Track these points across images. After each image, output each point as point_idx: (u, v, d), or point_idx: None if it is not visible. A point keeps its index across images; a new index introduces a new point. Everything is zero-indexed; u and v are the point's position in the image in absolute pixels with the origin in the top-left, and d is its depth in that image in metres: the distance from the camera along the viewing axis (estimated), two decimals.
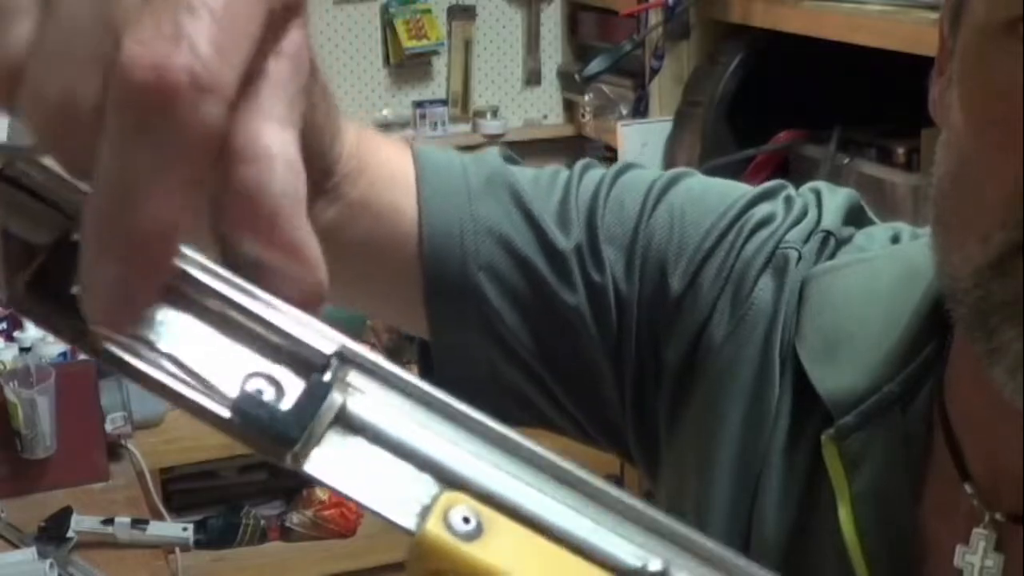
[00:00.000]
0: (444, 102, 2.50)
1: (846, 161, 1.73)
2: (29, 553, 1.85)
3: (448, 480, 0.32)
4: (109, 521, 1.95)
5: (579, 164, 0.71)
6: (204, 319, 0.33)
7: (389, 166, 0.65)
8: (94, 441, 2.09)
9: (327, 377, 0.32)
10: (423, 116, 2.49)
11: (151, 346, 0.32)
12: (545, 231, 0.66)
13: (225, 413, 0.31)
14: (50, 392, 2.01)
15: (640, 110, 2.15)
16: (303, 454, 0.31)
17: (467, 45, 2.51)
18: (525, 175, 0.70)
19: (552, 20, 2.56)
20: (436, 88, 2.51)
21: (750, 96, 1.91)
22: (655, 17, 2.06)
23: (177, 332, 0.32)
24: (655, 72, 2.07)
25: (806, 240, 0.66)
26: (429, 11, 2.45)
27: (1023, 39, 0.48)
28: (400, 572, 0.33)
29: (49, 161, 0.32)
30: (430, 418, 0.33)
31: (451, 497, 0.32)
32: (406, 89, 2.49)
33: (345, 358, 0.32)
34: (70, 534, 1.92)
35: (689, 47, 2.04)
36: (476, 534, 0.31)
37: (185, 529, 2.04)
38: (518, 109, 2.57)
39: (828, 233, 0.67)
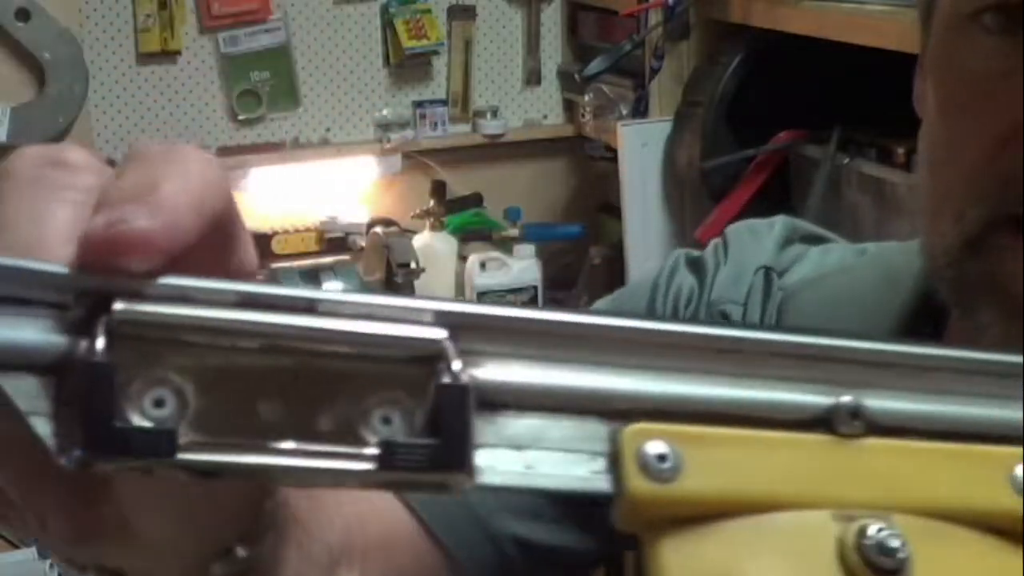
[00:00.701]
0: (444, 102, 2.50)
1: (846, 161, 1.73)
2: (29, 553, 1.85)
3: (612, 412, 0.29)
4: None
5: None
6: (265, 371, 0.29)
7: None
8: None
9: (456, 368, 0.29)
10: (423, 116, 2.49)
11: (236, 432, 0.28)
12: None
13: (369, 468, 0.28)
14: None
15: (640, 110, 2.15)
16: (471, 472, 0.28)
17: (467, 45, 2.51)
18: None
19: (552, 20, 2.56)
20: (436, 88, 2.51)
21: (750, 96, 1.91)
22: (655, 17, 2.06)
23: (251, 399, 0.29)
24: (655, 72, 2.07)
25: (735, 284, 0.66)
26: (429, 11, 2.45)
27: (986, 28, 0.50)
28: None
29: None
30: (558, 348, 0.30)
31: (631, 435, 0.29)
32: (406, 89, 2.49)
33: (454, 329, 0.29)
34: None
35: (689, 47, 2.04)
36: (677, 466, 0.29)
37: None
38: (518, 109, 2.57)
39: (768, 269, 0.67)
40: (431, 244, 2.38)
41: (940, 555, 0.29)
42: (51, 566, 1.81)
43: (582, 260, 2.44)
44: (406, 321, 0.29)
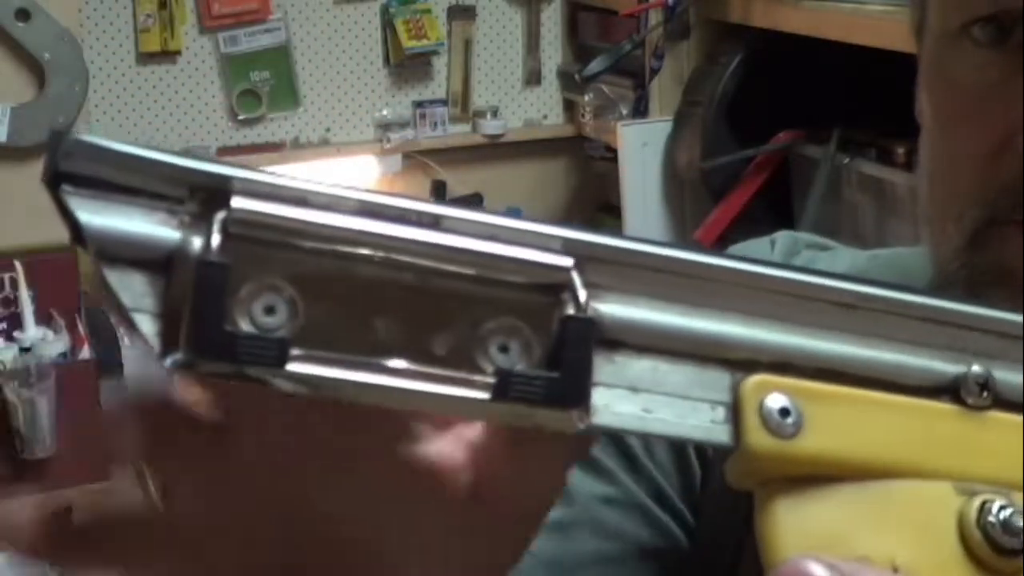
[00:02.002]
0: (444, 102, 2.50)
1: (846, 161, 1.73)
2: None
3: (735, 360, 0.28)
4: None
5: None
6: (383, 285, 0.26)
7: None
8: (94, 441, 2.08)
9: (582, 300, 0.27)
10: (423, 116, 2.49)
11: (349, 347, 0.27)
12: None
13: (483, 398, 0.26)
14: (50, 392, 2.00)
15: (640, 110, 2.15)
16: (588, 410, 0.27)
17: (467, 45, 2.51)
18: None
19: (552, 20, 2.56)
20: (436, 88, 2.51)
21: (750, 96, 1.91)
22: (655, 17, 2.06)
23: (366, 314, 0.27)
24: (655, 72, 2.07)
25: None
26: (429, 11, 2.45)
27: (975, 40, 0.51)
28: None
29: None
30: (683, 289, 0.28)
31: (754, 386, 0.28)
32: (406, 89, 2.49)
33: (580, 259, 0.27)
34: None
35: (689, 47, 2.04)
36: (799, 422, 0.28)
37: None
38: (518, 109, 2.57)
39: None
40: None
41: None
42: (51, 566, 1.81)
43: None
44: (533, 246, 0.27)
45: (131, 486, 0.35)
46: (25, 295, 2.08)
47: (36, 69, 2.13)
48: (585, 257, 0.27)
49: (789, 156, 1.86)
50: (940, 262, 0.54)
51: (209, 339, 0.25)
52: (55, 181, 0.26)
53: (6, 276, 2.12)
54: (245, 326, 0.26)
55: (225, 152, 2.37)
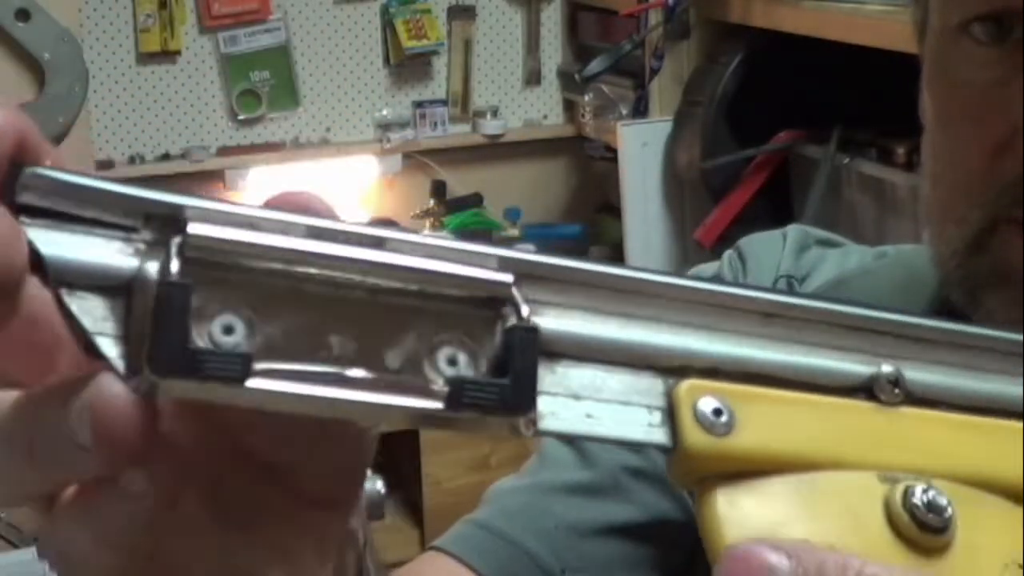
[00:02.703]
0: (444, 102, 2.50)
1: (846, 161, 1.73)
2: (29, 553, 1.85)
3: (667, 367, 0.30)
4: None
5: None
6: (333, 304, 0.28)
7: None
8: None
9: (524, 311, 0.29)
10: (423, 116, 2.49)
11: (307, 362, 0.28)
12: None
13: (437, 407, 0.28)
14: None
15: (640, 110, 2.15)
16: (535, 417, 0.28)
17: (467, 45, 2.51)
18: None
19: (552, 20, 2.56)
20: (436, 88, 2.51)
21: (750, 96, 1.91)
22: (655, 17, 2.06)
23: (319, 331, 0.28)
24: (655, 72, 2.07)
25: None
26: (429, 11, 2.45)
27: (975, 39, 0.52)
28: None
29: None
30: (616, 302, 0.30)
31: (687, 390, 0.30)
32: (406, 89, 2.49)
33: (518, 276, 0.29)
34: None
35: (689, 47, 2.04)
36: (731, 421, 0.29)
37: None
38: (518, 109, 2.57)
39: (788, 277, 0.68)
40: None
41: (980, 517, 0.31)
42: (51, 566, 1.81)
43: None
44: (472, 264, 0.29)
45: None
46: None
47: (36, 69, 2.13)
48: (523, 274, 0.29)
49: (789, 156, 1.86)
50: (941, 263, 0.55)
51: (173, 357, 0.26)
52: (14, 213, 0.27)
53: None
54: (204, 346, 0.27)
55: (225, 152, 2.38)
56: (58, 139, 2.13)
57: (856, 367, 0.31)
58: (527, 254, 0.29)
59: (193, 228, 0.27)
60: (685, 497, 0.64)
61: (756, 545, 0.28)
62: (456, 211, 2.47)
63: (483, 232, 2.49)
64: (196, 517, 0.31)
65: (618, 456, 0.65)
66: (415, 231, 0.30)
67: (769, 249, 0.70)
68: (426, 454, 2.19)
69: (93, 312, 0.27)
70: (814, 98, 1.78)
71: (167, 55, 2.32)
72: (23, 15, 2.09)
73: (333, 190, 2.43)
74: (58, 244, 0.27)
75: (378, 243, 0.28)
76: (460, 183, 2.51)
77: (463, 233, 2.45)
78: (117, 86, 2.31)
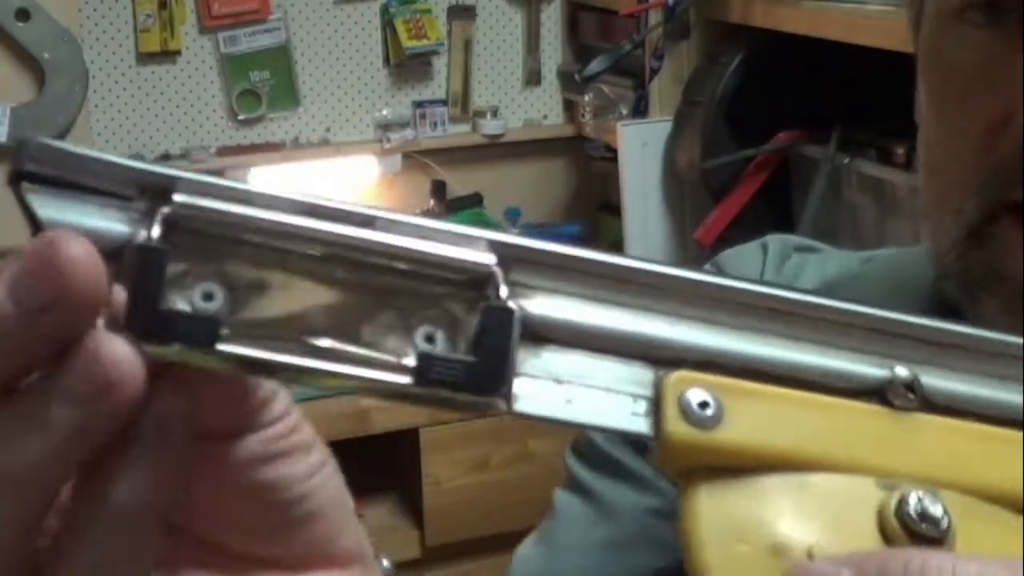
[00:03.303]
0: (444, 102, 2.50)
1: (846, 161, 1.73)
2: None
3: (659, 358, 0.30)
4: None
5: None
6: (316, 278, 0.29)
7: None
8: None
9: (503, 295, 0.29)
10: (423, 116, 2.49)
11: (281, 332, 0.29)
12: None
13: (406, 381, 0.28)
14: None
15: (640, 110, 2.15)
16: (509, 396, 0.28)
17: (467, 45, 2.51)
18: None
19: (552, 20, 2.56)
20: (436, 88, 2.51)
21: (750, 96, 1.91)
22: (655, 17, 2.06)
23: (300, 304, 0.29)
24: (655, 72, 2.07)
25: None
26: (429, 11, 2.45)
27: (972, 23, 0.51)
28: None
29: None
30: (611, 291, 0.30)
31: (675, 381, 0.29)
32: (406, 89, 2.49)
33: (505, 259, 0.29)
34: None
35: (689, 47, 2.04)
36: (719, 414, 0.29)
37: None
38: (518, 109, 2.57)
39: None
40: None
41: (983, 532, 0.29)
42: None
43: None
44: (460, 246, 0.29)
45: None
46: None
47: (36, 69, 2.13)
48: (510, 258, 0.29)
49: (789, 156, 1.86)
50: (938, 256, 0.54)
51: (146, 318, 0.28)
52: (17, 179, 0.28)
53: None
54: (183, 309, 0.28)
55: (225, 152, 2.38)
56: (58, 139, 2.13)
57: (868, 369, 0.31)
58: (518, 238, 0.30)
59: (179, 198, 0.29)
60: None
61: (815, 564, 0.28)
62: (456, 211, 2.47)
63: None
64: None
65: (638, 500, 0.63)
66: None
67: (749, 261, 0.69)
68: (426, 454, 2.19)
69: None
70: (814, 98, 1.78)
71: (167, 55, 2.32)
72: (23, 15, 2.09)
73: (333, 190, 2.44)
74: (56, 209, 0.28)
75: (367, 222, 0.29)
76: (460, 183, 2.51)
77: None
78: (117, 86, 2.31)
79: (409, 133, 2.47)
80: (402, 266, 0.29)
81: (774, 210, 1.89)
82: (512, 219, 2.51)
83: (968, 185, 0.51)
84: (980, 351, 0.31)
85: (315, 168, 2.42)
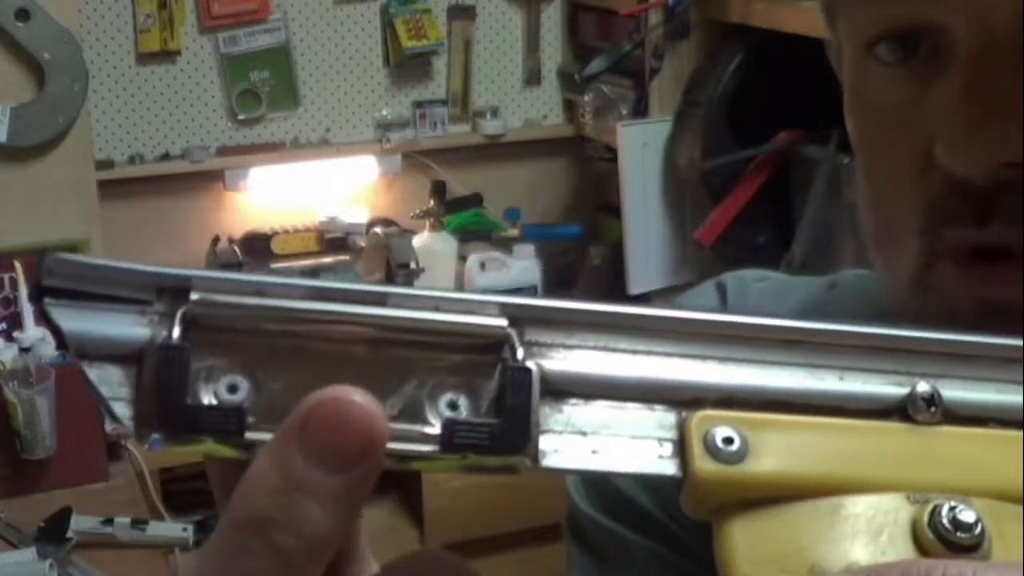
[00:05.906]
0: (444, 102, 2.50)
1: (846, 161, 1.73)
2: (29, 553, 1.85)
3: (680, 400, 0.30)
4: (109, 521, 1.95)
5: None
6: (335, 358, 0.30)
7: None
8: (94, 441, 2.08)
9: (519, 356, 0.30)
10: (423, 116, 2.49)
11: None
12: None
13: (432, 449, 0.29)
14: (50, 392, 2.01)
15: (640, 110, 2.15)
16: (535, 454, 0.29)
17: (467, 45, 2.51)
18: None
19: (552, 20, 2.56)
20: (436, 88, 2.51)
21: (750, 96, 1.91)
22: (655, 17, 2.06)
23: (322, 384, 0.29)
24: (655, 72, 2.07)
25: None
26: (429, 11, 2.45)
27: (880, 60, 0.50)
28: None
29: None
30: (624, 339, 0.31)
31: (699, 421, 0.30)
32: (406, 89, 2.49)
33: (517, 320, 0.30)
34: (70, 534, 1.92)
35: (689, 47, 2.04)
36: (744, 449, 0.29)
37: (185, 529, 2.04)
38: (518, 109, 2.57)
39: None
40: (431, 244, 2.39)
41: (1018, 533, 0.30)
42: (51, 566, 1.81)
43: (582, 260, 2.45)
44: (472, 313, 0.30)
45: None
46: (25, 295, 2.08)
47: (36, 69, 2.13)
48: (523, 319, 0.30)
49: (789, 156, 1.87)
50: (891, 292, 0.53)
51: (174, 415, 0.29)
52: (40, 295, 0.30)
53: (6, 276, 2.12)
54: (210, 403, 0.30)
55: (225, 152, 2.38)
56: (58, 139, 2.13)
57: (888, 389, 0.31)
58: (528, 299, 0.30)
59: (196, 296, 0.30)
60: None
61: None
62: (456, 211, 2.47)
63: (483, 232, 2.49)
64: None
65: (647, 540, 0.63)
66: (415, 288, 0.31)
67: (703, 302, 0.69)
68: None
69: (111, 380, 0.30)
70: (814, 98, 1.78)
71: (167, 55, 2.32)
72: (23, 15, 2.09)
73: (333, 190, 2.44)
74: (78, 320, 0.30)
75: (380, 299, 0.30)
76: (460, 183, 2.51)
77: (463, 233, 2.45)
78: (117, 86, 2.31)
79: (409, 133, 2.47)
80: (418, 338, 0.30)
81: (774, 210, 1.89)
82: (512, 219, 2.52)
83: (905, 225, 0.51)
84: (993, 358, 0.32)
85: (315, 168, 2.42)
